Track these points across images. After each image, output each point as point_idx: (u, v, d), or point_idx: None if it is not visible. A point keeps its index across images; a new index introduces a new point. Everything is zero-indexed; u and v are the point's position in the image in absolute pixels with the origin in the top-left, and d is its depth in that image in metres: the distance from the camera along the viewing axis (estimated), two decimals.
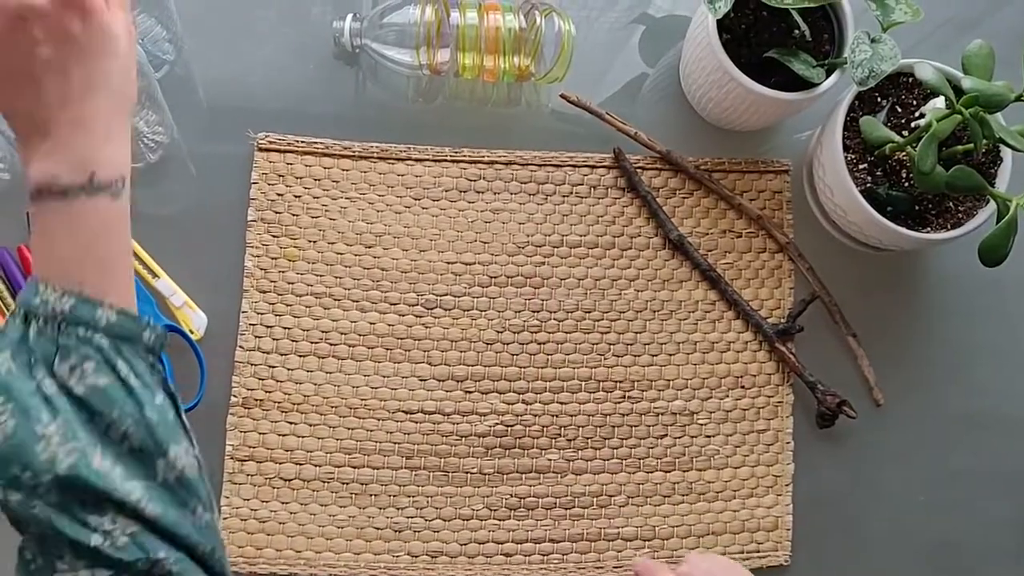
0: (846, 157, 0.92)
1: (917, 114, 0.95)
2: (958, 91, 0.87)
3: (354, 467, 0.91)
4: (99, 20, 0.61)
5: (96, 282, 0.61)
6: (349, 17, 0.97)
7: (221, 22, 1.01)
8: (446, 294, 0.95)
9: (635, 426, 0.95)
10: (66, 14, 0.59)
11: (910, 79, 0.95)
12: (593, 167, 1.00)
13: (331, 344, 0.92)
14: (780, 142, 1.05)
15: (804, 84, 0.91)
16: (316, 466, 0.90)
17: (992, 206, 0.90)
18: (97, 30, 0.61)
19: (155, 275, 0.91)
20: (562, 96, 1.00)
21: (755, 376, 0.98)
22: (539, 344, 0.95)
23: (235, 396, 0.91)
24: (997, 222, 0.85)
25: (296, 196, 0.95)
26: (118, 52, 0.62)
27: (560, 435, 0.94)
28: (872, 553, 0.98)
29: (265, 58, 1.00)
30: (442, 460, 0.92)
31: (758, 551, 0.95)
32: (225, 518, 0.88)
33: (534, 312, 0.96)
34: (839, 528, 0.98)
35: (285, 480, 0.90)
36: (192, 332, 0.91)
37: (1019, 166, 0.92)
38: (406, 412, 0.92)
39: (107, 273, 0.62)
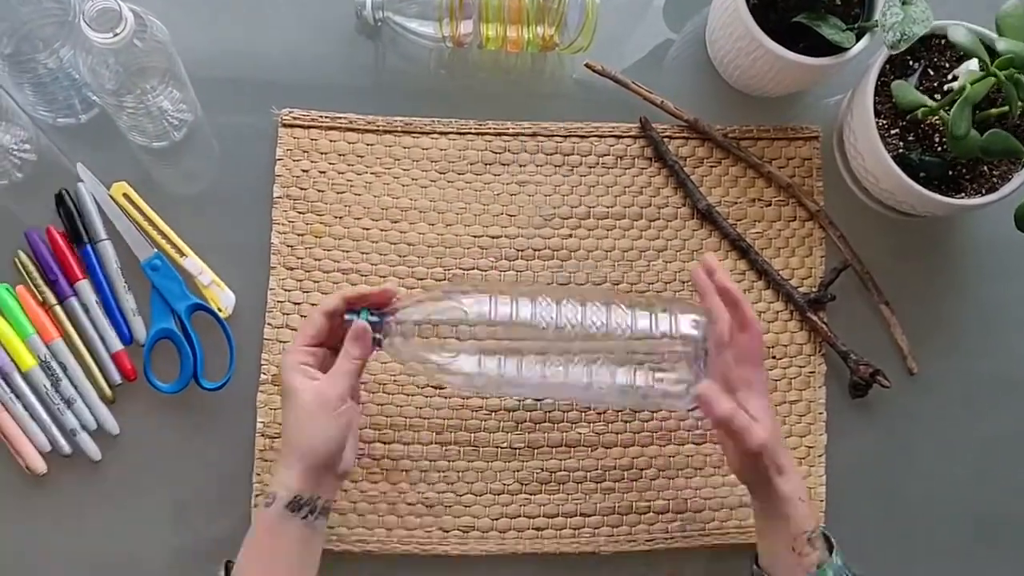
0: (877, 123, 0.91)
1: (950, 77, 0.93)
2: (992, 53, 0.85)
3: (384, 443, 0.91)
4: (284, 375, 0.78)
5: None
6: None
7: (241, 4, 1.01)
8: (472, 268, 0.95)
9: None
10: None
11: (942, 41, 0.94)
12: (619, 137, 0.99)
13: None
14: (809, 107, 1.03)
15: (833, 49, 0.90)
16: None
17: None
18: (284, 382, 0.78)
19: (183, 254, 0.92)
20: (587, 66, 0.99)
21: (786, 346, 0.97)
22: None
23: (264, 373, 0.91)
24: None
25: (321, 172, 0.94)
26: (292, 406, 0.77)
27: (590, 408, 0.93)
28: (908, 524, 0.97)
29: (287, 33, 1.00)
30: (472, 435, 0.92)
31: None
32: (256, 495, 0.89)
33: (562, 285, 0.95)
34: (874, 499, 0.97)
35: None
36: (220, 310, 0.92)
37: None
38: (435, 387, 0.92)
39: (241, 567, 0.77)
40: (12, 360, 0.89)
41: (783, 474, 0.80)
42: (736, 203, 0.99)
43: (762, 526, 0.82)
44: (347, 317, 0.80)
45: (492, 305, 0.79)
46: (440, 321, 0.80)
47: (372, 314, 0.80)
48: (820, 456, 0.96)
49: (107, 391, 0.90)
